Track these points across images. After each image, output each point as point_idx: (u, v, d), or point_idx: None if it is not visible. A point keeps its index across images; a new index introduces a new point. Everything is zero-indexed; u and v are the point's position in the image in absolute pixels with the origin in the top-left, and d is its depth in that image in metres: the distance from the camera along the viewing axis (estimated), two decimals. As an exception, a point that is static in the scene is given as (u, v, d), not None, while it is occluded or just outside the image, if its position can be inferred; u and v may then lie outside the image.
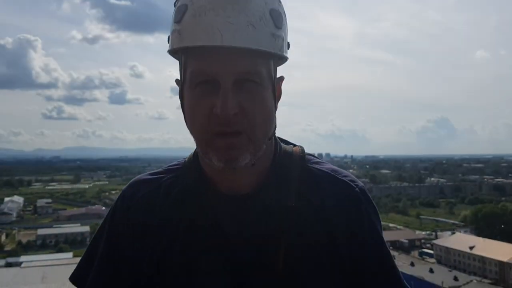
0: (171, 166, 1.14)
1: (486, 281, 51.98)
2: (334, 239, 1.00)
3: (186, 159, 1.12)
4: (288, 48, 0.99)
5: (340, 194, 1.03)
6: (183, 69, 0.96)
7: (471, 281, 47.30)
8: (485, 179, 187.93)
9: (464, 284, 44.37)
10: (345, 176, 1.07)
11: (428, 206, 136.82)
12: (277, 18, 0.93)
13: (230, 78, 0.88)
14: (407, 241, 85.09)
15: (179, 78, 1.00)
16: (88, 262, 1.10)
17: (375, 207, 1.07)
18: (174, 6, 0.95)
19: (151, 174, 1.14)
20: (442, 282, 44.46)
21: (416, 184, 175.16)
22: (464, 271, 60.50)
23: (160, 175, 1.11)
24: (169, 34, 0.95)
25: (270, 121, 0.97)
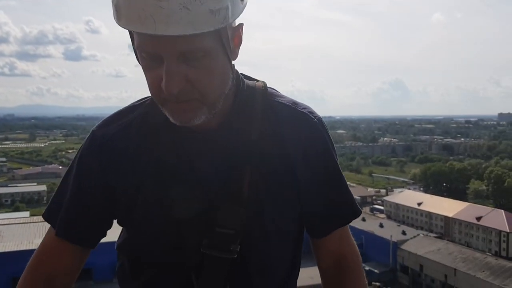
0: (135, 104, 1.15)
1: (432, 235, 54.51)
2: (293, 167, 1.08)
3: (150, 97, 1.12)
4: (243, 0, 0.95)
5: (299, 124, 1.09)
6: (131, 37, 0.94)
7: (418, 235, 49.41)
8: (435, 139, 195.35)
9: (411, 238, 46.30)
10: (304, 108, 1.13)
11: (381, 164, 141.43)
12: None
13: (173, 55, 0.87)
14: (359, 197, 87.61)
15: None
16: (59, 198, 1.12)
17: (331, 137, 1.14)
18: None
19: (120, 113, 1.14)
20: (391, 236, 46.15)
21: (370, 144, 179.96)
22: (412, 225, 63.15)
23: (128, 114, 1.12)
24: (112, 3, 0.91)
25: (222, 85, 0.97)
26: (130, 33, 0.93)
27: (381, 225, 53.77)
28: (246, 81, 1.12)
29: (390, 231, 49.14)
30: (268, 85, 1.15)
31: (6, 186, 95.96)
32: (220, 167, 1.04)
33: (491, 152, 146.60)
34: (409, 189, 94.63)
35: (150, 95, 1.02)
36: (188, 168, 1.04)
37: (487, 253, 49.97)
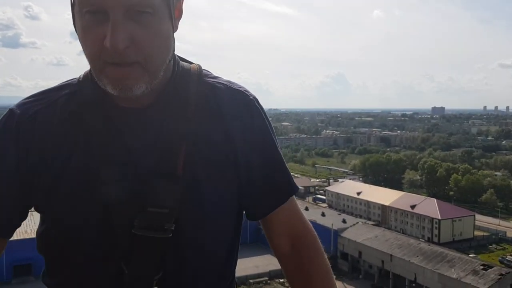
0: (62, 83, 1.09)
1: (370, 222, 56.99)
2: (231, 143, 1.05)
3: (81, 76, 1.07)
4: None
5: (236, 101, 1.08)
6: None
7: (357, 223, 51.51)
8: (374, 132, 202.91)
9: (351, 226, 48.18)
10: (240, 87, 1.12)
11: (323, 156, 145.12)
12: None
13: (119, 9, 0.84)
14: (302, 188, 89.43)
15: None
16: None
17: (266, 114, 1.14)
18: None
19: (42, 93, 1.07)
20: (332, 225, 47.84)
21: (313, 136, 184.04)
22: (352, 214, 65.54)
23: (52, 93, 1.06)
24: None
25: (166, 50, 0.96)
26: None
27: (323, 214, 55.53)
28: (181, 62, 1.10)
29: (332, 220, 50.90)
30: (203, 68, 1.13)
31: None
32: (154, 144, 1.00)
33: (425, 144, 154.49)
34: (350, 179, 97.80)
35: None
36: (119, 146, 0.98)
37: (421, 239, 52.87)
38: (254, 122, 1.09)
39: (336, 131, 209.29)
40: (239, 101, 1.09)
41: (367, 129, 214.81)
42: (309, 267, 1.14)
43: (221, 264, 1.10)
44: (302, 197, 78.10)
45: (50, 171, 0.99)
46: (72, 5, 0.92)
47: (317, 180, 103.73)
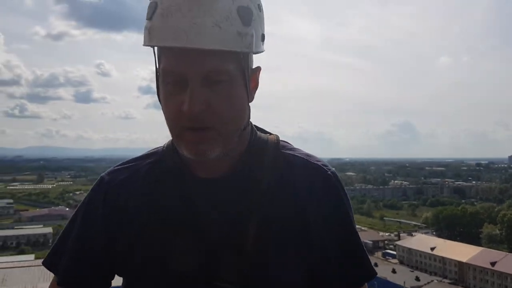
0: (148, 152, 1.16)
1: (446, 281, 53.67)
2: (305, 220, 1.02)
3: (164, 145, 1.13)
4: (263, 40, 1.01)
5: (312, 177, 1.06)
6: (157, 62, 0.98)
7: (432, 281, 48.78)
8: (446, 182, 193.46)
9: (425, 284, 45.68)
10: (318, 161, 1.10)
11: (392, 208, 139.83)
12: (245, 16, 0.93)
13: (198, 77, 0.91)
14: (371, 242, 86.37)
15: (154, 71, 1.01)
16: (61, 246, 1.10)
17: (346, 191, 1.09)
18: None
19: (129, 161, 1.15)
20: (404, 282, 45.57)
21: (380, 187, 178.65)
22: (425, 271, 62.17)
23: (138, 161, 1.14)
24: (144, 27, 0.97)
25: (240, 116, 0.99)
26: (156, 59, 0.98)
27: (393, 271, 53.13)
28: (258, 132, 1.12)
29: (403, 277, 48.55)
30: (281, 139, 1.13)
31: (12, 228, 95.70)
32: (226, 216, 1.01)
33: (503, 195, 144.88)
34: (422, 233, 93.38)
35: (161, 144, 1.09)
36: (192, 217, 1.01)
37: (504, 300, 48.96)
38: (331, 198, 1.06)
39: (405, 181, 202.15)
40: (316, 177, 1.06)
41: (439, 179, 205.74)
42: None
43: None
44: (371, 251, 75.22)
45: (127, 238, 1.05)
46: (157, 78, 0.99)
47: (386, 234, 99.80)
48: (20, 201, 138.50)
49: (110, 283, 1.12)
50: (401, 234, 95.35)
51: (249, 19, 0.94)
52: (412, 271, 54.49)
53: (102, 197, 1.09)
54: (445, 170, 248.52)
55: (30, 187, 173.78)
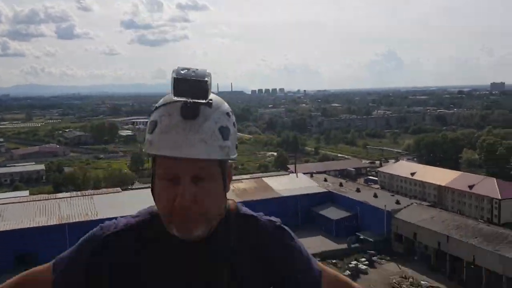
0: (142, 211, 1.43)
1: (425, 203, 55.44)
2: (265, 262, 1.39)
3: (153, 210, 1.39)
4: (236, 148, 1.34)
5: (266, 229, 1.42)
6: (153, 165, 1.28)
7: (412, 204, 50.28)
8: (428, 110, 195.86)
9: (405, 207, 47.15)
10: (268, 217, 1.47)
11: (375, 137, 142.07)
12: (225, 133, 1.25)
13: (188, 176, 1.21)
14: (354, 169, 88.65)
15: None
16: (66, 259, 1.39)
17: (292, 234, 1.47)
18: (149, 116, 1.31)
19: (125, 217, 1.43)
20: (385, 206, 47.03)
21: (364, 117, 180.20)
22: (406, 195, 63.95)
23: (133, 218, 1.42)
24: (146, 138, 1.28)
25: (220, 206, 1.32)
26: (152, 162, 1.29)
27: (375, 195, 54.55)
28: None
29: (384, 201, 49.91)
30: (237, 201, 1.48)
31: (5, 166, 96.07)
32: (205, 270, 1.32)
33: (484, 121, 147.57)
34: (403, 159, 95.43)
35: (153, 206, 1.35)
36: (178, 273, 1.30)
37: (480, 220, 51.04)
38: (284, 243, 1.42)
39: (388, 110, 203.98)
40: (270, 229, 1.42)
41: (421, 107, 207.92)
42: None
43: None
44: (354, 179, 77.10)
45: (113, 283, 1.31)
46: (152, 176, 1.29)
47: (369, 161, 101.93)
48: (10, 140, 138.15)
49: None
50: (383, 162, 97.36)
51: (227, 134, 1.25)
52: (393, 195, 55.87)
53: (97, 244, 1.36)
54: (428, 98, 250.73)
55: (20, 126, 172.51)
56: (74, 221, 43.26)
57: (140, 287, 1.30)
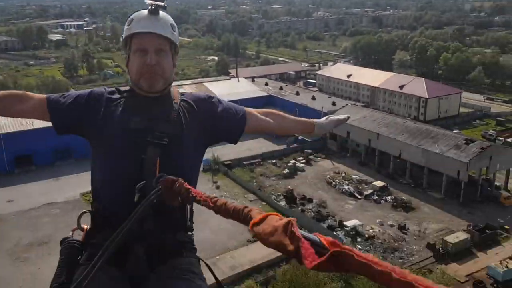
0: (122, 85, 2.15)
1: (360, 104, 58.47)
2: (201, 113, 2.22)
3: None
4: (178, 45, 2.21)
5: (201, 96, 2.32)
6: (128, 45, 2.11)
7: (347, 105, 52.95)
8: (366, 12, 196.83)
9: (340, 108, 49.56)
10: (205, 93, 2.40)
11: (314, 39, 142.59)
12: (174, 27, 2.15)
13: (152, 48, 2.06)
14: (294, 73, 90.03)
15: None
16: (65, 95, 2.23)
17: (221, 99, 2.36)
18: (126, 20, 2.16)
19: (111, 87, 2.31)
20: (322, 107, 49.24)
21: (304, 19, 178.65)
22: (342, 96, 66.85)
23: (114, 87, 2.30)
24: (123, 34, 2.14)
25: (171, 72, 2.17)
26: (127, 43, 2.13)
27: (313, 98, 56.74)
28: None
29: (322, 103, 52.21)
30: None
31: None
32: (162, 110, 2.12)
33: (417, 22, 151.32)
34: (341, 62, 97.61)
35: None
36: (142, 111, 2.09)
37: (407, 118, 54.90)
38: (212, 100, 2.30)
39: (327, 12, 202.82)
40: (202, 95, 2.33)
41: (359, 9, 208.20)
42: (282, 114, 2.55)
43: (191, 169, 2.16)
44: (293, 82, 78.75)
45: (101, 116, 2.12)
46: (128, 58, 2.16)
47: (307, 65, 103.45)
48: None
49: (70, 129, 2.19)
50: (321, 65, 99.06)
51: (175, 29, 2.17)
52: (330, 97, 58.42)
53: (97, 95, 2.19)
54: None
55: None
56: (8, 131, 42.12)
57: (121, 121, 2.05)
